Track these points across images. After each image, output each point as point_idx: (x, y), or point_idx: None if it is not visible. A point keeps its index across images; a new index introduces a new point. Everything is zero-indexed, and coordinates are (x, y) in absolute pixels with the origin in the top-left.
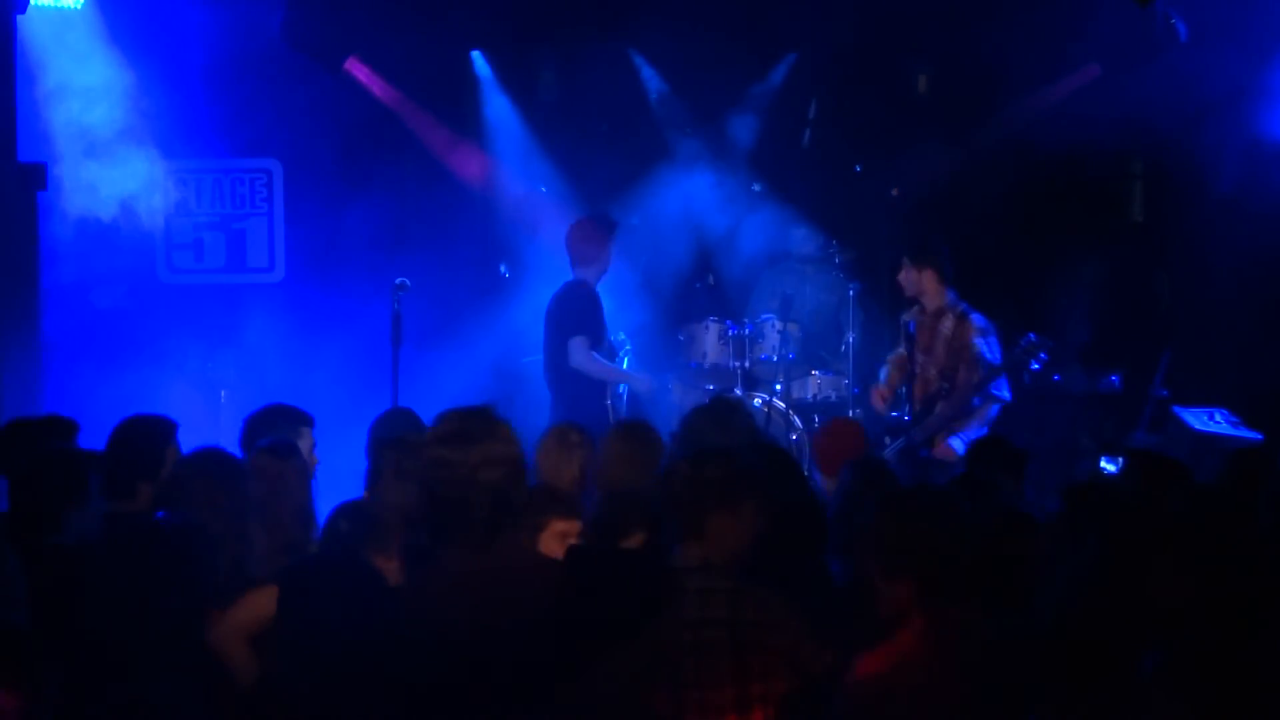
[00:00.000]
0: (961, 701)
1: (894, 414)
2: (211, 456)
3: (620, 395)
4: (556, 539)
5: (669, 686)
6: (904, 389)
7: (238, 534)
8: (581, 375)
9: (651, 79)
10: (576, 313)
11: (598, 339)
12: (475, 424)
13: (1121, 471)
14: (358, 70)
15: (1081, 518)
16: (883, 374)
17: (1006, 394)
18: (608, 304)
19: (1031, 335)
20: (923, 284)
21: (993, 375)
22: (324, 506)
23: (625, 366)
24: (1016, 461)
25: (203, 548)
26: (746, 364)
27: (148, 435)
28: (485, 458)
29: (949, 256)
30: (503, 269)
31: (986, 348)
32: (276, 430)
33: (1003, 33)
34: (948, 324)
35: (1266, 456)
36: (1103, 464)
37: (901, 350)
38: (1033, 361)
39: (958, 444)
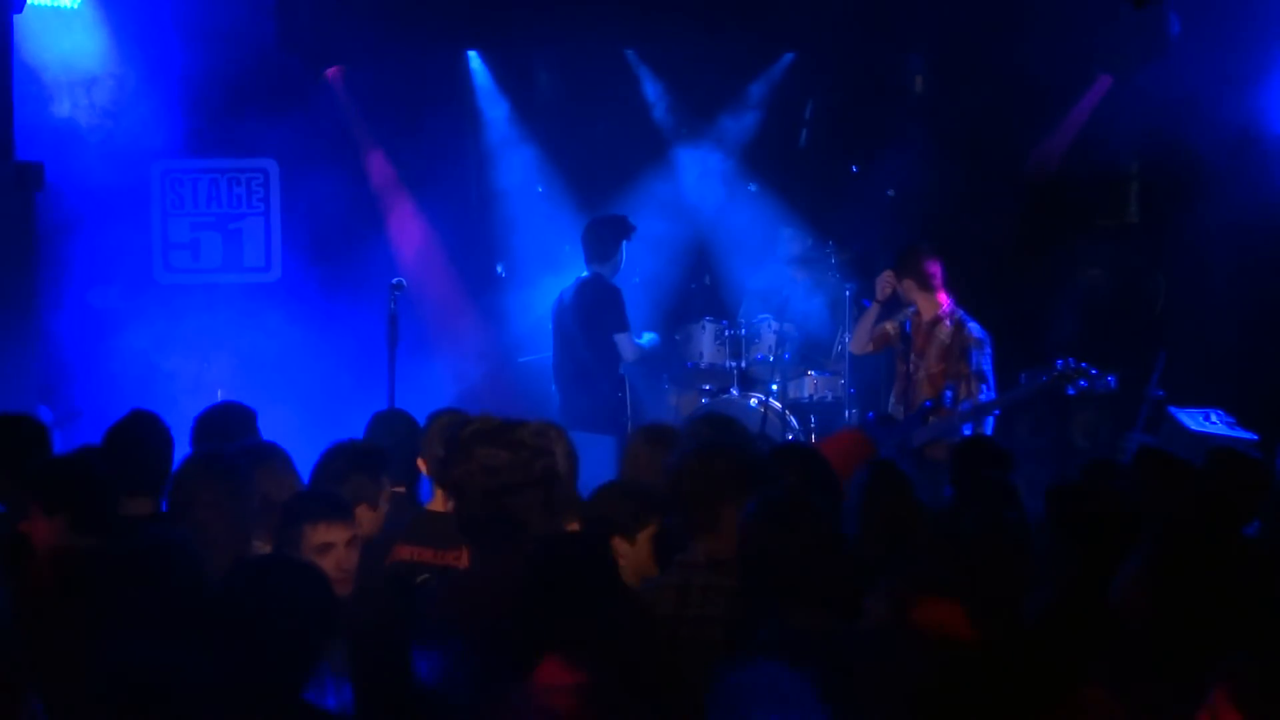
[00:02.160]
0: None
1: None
2: (215, 458)
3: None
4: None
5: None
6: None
7: (242, 535)
8: (603, 370)
9: (648, 79)
10: (614, 309)
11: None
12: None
13: (1124, 471)
14: (337, 85)
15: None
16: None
17: (996, 409)
18: None
19: (1071, 360)
20: (909, 293)
21: (994, 407)
22: None
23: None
24: (1002, 461)
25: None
26: (742, 364)
27: (149, 435)
28: None
29: (934, 261)
30: (499, 269)
31: (986, 364)
32: (233, 431)
33: (1001, 32)
34: (944, 331)
35: (1246, 455)
36: None
37: (886, 326)
38: (1069, 388)
39: None
